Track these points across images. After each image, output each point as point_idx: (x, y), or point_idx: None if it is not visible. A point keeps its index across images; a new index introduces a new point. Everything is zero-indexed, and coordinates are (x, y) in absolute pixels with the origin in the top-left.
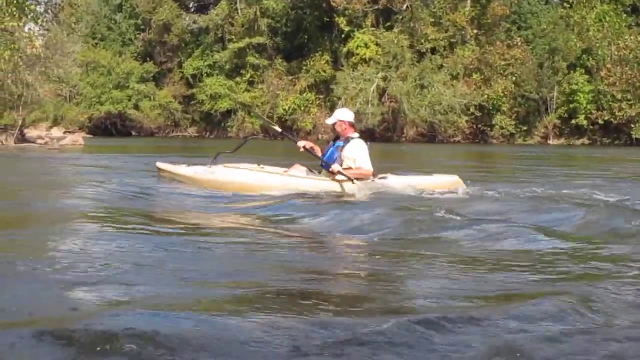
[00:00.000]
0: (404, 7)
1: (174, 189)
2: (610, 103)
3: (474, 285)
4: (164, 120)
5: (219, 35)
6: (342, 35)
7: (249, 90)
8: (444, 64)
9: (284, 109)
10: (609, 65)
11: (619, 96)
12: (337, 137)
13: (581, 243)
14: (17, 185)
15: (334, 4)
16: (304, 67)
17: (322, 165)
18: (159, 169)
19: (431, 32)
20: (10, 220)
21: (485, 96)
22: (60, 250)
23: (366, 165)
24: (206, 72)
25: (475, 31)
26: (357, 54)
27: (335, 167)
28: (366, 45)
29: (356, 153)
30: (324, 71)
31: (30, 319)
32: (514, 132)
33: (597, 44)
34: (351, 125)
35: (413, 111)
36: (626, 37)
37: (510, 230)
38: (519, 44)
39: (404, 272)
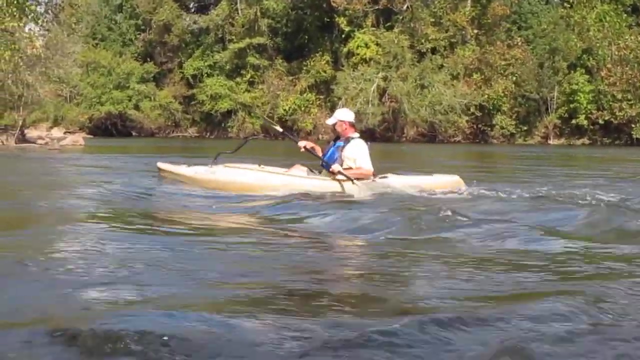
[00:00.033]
0: (405, 7)
1: (175, 189)
2: (610, 103)
3: (480, 285)
4: (165, 121)
5: (220, 35)
6: (343, 36)
7: (249, 91)
8: (444, 64)
9: (285, 110)
10: (609, 65)
11: (619, 96)
12: (337, 137)
13: (585, 243)
14: (19, 185)
15: (334, 4)
16: (305, 68)
17: (323, 166)
18: (160, 169)
19: (431, 32)
20: (13, 221)
21: (486, 96)
22: (64, 250)
23: (366, 165)
24: (206, 73)
25: (475, 31)
26: (358, 54)
27: (335, 167)
28: (366, 46)
29: (356, 153)
30: (325, 71)
31: (37, 319)
32: (514, 132)
33: (598, 44)
34: (352, 125)
35: (413, 111)
36: (626, 37)
37: (512, 230)
38: (520, 44)
39: (410, 272)
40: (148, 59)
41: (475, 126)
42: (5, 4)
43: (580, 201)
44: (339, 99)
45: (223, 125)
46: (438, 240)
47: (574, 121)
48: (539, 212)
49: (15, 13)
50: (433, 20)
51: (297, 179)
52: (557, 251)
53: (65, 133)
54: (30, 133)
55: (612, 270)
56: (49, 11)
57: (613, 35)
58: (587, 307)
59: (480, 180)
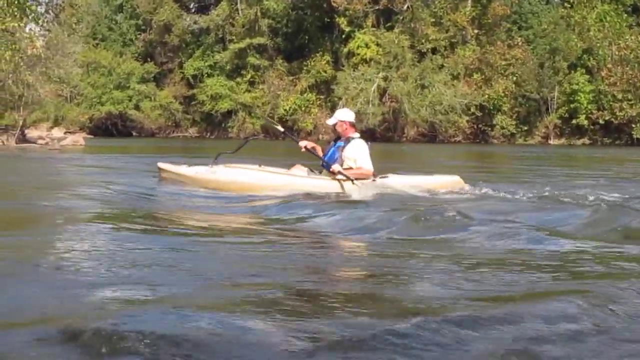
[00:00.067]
0: (405, 7)
1: (176, 189)
2: (611, 103)
3: (485, 285)
4: (165, 121)
5: (220, 35)
6: (343, 36)
7: (249, 91)
8: (444, 64)
9: (285, 110)
10: (609, 65)
11: (619, 96)
12: (338, 138)
13: (590, 243)
14: (20, 185)
15: (334, 5)
16: (305, 68)
17: (323, 166)
18: (160, 169)
19: (432, 32)
20: (14, 221)
21: (486, 96)
22: (67, 250)
23: (367, 165)
24: (207, 73)
25: (476, 31)
26: (358, 54)
27: (335, 167)
28: (367, 46)
29: (357, 153)
30: (325, 71)
31: (40, 319)
32: (514, 132)
33: (598, 44)
34: (352, 125)
35: (414, 111)
36: (627, 37)
37: (515, 231)
38: (520, 44)
39: (414, 272)
40: (148, 59)
41: (475, 126)
42: (5, 4)
43: (582, 201)
44: (340, 99)
45: (223, 125)
46: (440, 240)
47: (574, 121)
48: (541, 212)
49: (15, 13)
50: (433, 20)
51: (297, 179)
52: (561, 251)
53: (65, 133)
54: (31, 133)
55: (621, 270)
56: (50, 11)
57: (613, 35)
58: (596, 308)
59: (481, 180)
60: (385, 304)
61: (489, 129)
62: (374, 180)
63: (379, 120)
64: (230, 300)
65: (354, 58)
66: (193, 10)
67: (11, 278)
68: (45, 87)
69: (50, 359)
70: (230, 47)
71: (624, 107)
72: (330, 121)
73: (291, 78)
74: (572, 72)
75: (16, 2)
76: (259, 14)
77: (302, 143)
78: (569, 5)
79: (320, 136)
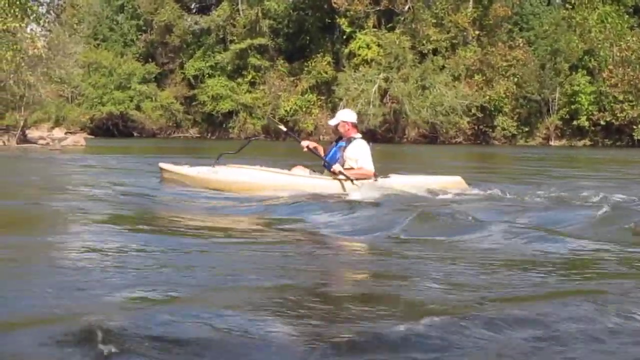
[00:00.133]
0: (406, 8)
1: (178, 189)
2: (612, 104)
3: (493, 285)
4: (166, 121)
5: (221, 36)
6: (344, 37)
7: (250, 92)
8: (445, 65)
9: (286, 110)
10: (611, 67)
11: (620, 97)
12: (340, 138)
13: (597, 243)
14: (21, 186)
15: (335, 5)
16: (306, 68)
17: (325, 166)
18: (162, 170)
19: (433, 33)
20: (16, 221)
21: (487, 97)
22: (74, 252)
23: (367, 166)
24: (208, 73)
25: (477, 32)
26: (359, 55)
27: (336, 167)
28: (368, 47)
29: (358, 153)
30: (326, 72)
31: (45, 319)
32: (515, 133)
33: (599, 45)
34: (354, 125)
35: (415, 112)
36: (628, 39)
37: (518, 231)
38: (521, 45)
39: (420, 273)
40: (149, 60)
41: (476, 127)
42: (7, 5)
43: (586, 201)
44: (340, 99)
45: (224, 126)
46: (442, 241)
47: (575, 122)
48: (544, 212)
49: (17, 13)
50: (434, 21)
51: (298, 179)
52: (567, 251)
53: (66, 133)
54: (32, 133)
55: (635, 270)
56: (51, 12)
57: (615, 36)
58: (608, 308)
59: (483, 181)
60: (392, 304)
61: (490, 130)
62: (375, 180)
63: (380, 121)
64: (236, 301)
65: (355, 59)
66: (194, 11)
67: (15, 278)
68: (47, 88)
69: (56, 358)
70: (231, 47)
71: (625, 108)
72: (332, 122)
73: (292, 79)
74: (573, 73)
75: (17, 2)
76: (260, 14)
77: (304, 143)
78: (570, 7)
79: (321, 137)
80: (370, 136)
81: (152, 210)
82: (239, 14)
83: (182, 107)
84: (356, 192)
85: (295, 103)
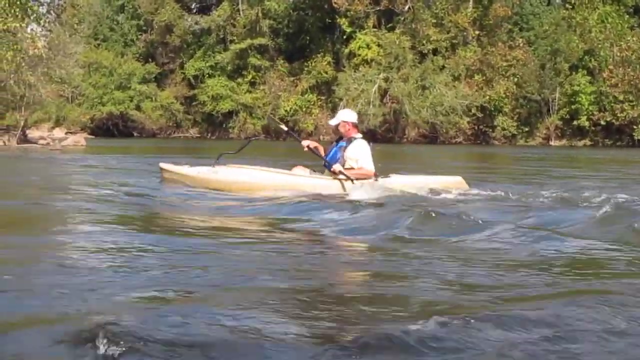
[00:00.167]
0: (406, 8)
1: (178, 189)
2: (612, 104)
3: (498, 285)
4: (166, 121)
5: (221, 36)
6: (344, 37)
7: (250, 92)
8: (445, 65)
9: (286, 110)
10: (611, 67)
11: (621, 97)
12: (340, 138)
13: (601, 243)
14: (22, 186)
15: (335, 5)
16: (306, 68)
17: (325, 166)
18: (162, 170)
19: (433, 33)
20: (17, 221)
21: (487, 97)
22: (76, 252)
23: (368, 166)
24: (208, 73)
25: (477, 32)
26: (359, 55)
27: (336, 167)
28: (368, 47)
29: (359, 153)
30: (326, 72)
31: (49, 319)
32: (515, 133)
33: (599, 45)
34: (354, 125)
35: (415, 112)
36: (628, 39)
37: (520, 231)
38: (521, 45)
39: (422, 273)
40: (150, 60)
41: (476, 127)
42: (7, 5)
43: (589, 202)
44: (340, 99)
45: (224, 126)
46: (446, 241)
47: (575, 122)
48: (546, 212)
49: (17, 13)
50: (434, 21)
51: (299, 179)
52: (570, 251)
53: (66, 133)
54: (32, 133)
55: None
56: (51, 12)
57: (615, 36)
58: (617, 308)
59: (483, 181)
60: (400, 304)
61: (490, 130)
62: (375, 180)
63: (380, 121)
64: (243, 302)
65: (355, 59)
66: (194, 11)
67: (15, 279)
68: (47, 88)
69: (64, 358)
70: (231, 47)
71: (625, 108)
72: (333, 122)
73: (292, 79)
74: (574, 73)
75: (18, 2)
76: (260, 14)
77: (305, 142)
78: (571, 7)
79: (322, 137)
80: (370, 136)
81: (152, 211)
82: (239, 14)
83: (182, 107)
84: (357, 192)
85: (295, 103)
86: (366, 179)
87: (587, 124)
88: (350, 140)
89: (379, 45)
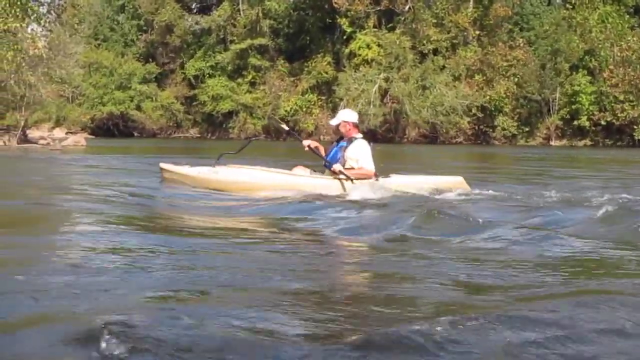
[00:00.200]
0: (406, 8)
1: (179, 189)
2: (612, 104)
3: (502, 285)
4: (166, 121)
5: (221, 36)
6: (344, 37)
7: (250, 92)
8: (446, 65)
9: (286, 110)
10: (611, 67)
11: (621, 97)
12: (340, 138)
13: (604, 243)
14: (23, 186)
15: (336, 5)
16: (306, 69)
17: (325, 165)
18: (163, 170)
19: (433, 33)
20: (20, 221)
21: (488, 97)
22: (78, 252)
23: (368, 166)
24: (208, 73)
25: (477, 32)
26: (359, 55)
27: (336, 166)
28: (368, 47)
29: (359, 153)
30: (326, 72)
31: (52, 318)
32: (516, 133)
33: (600, 45)
34: (355, 125)
35: (415, 112)
36: (629, 39)
37: (524, 231)
38: (522, 45)
39: (424, 273)
40: (150, 60)
41: (476, 127)
42: (7, 5)
43: (591, 202)
44: (341, 100)
45: (224, 126)
46: (448, 241)
47: (575, 122)
48: (547, 212)
49: (18, 13)
50: (435, 21)
51: (299, 179)
52: (571, 251)
53: (67, 133)
54: (32, 133)
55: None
56: (52, 12)
57: (615, 36)
58: (623, 308)
59: (484, 181)
60: (406, 304)
61: (491, 130)
62: (376, 180)
63: (380, 121)
64: (249, 301)
65: (356, 59)
66: (195, 11)
67: (15, 279)
68: (47, 88)
69: (67, 357)
70: (231, 47)
71: (626, 108)
72: (334, 121)
73: (292, 79)
74: (574, 73)
75: (18, 2)
76: (260, 14)
77: (306, 142)
78: (571, 7)
79: (322, 137)
80: (370, 136)
81: (153, 211)
82: (240, 14)
83: (182, 107)
84: (357, 192)
85: (296, 103)
86: (366, 179)
87: (587, 124)
88: (350, 140)
89: (379, 45)
